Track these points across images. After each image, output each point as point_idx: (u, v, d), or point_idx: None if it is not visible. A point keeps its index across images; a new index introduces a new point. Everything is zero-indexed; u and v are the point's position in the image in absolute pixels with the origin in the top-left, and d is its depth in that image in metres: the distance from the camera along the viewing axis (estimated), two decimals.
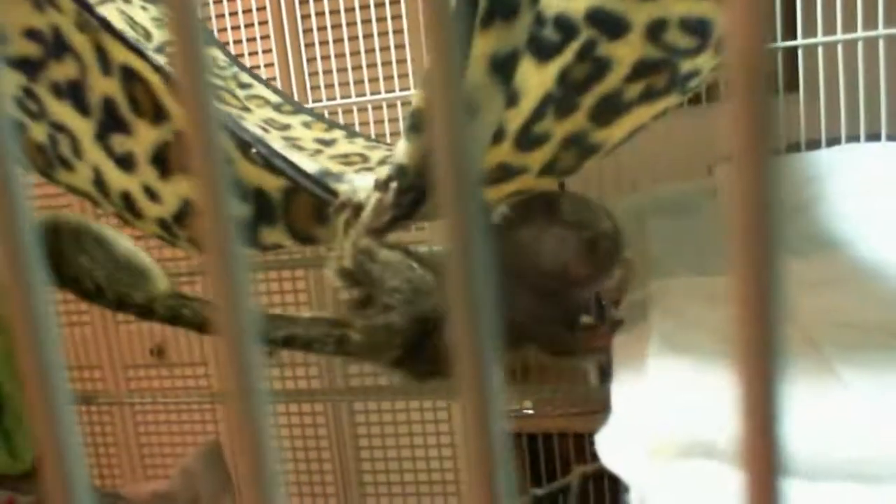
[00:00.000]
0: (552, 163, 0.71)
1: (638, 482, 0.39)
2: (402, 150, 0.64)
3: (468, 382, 0.14)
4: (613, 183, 1.26)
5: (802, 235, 0.81)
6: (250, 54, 1.46)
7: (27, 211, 0.15)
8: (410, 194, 0.66)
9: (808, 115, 1.16)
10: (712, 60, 0.71)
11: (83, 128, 0.79)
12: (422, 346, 0.69)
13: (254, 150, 0.68)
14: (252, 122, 0.91)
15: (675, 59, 0.69)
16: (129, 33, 0.86)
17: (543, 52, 0.62)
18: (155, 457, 1.90)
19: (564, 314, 0.71)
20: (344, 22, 1.35)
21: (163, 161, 0.76)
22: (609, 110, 0.69)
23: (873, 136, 1.12)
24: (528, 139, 0.66)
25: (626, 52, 0.66)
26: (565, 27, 0.62)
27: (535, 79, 0.62)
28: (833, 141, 1.14)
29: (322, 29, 1.37)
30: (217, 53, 1.13)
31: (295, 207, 0.72)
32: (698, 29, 0.67)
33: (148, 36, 1.03)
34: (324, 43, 1.38)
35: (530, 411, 1.60)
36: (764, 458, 0.14)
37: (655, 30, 0.66)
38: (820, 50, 1.14)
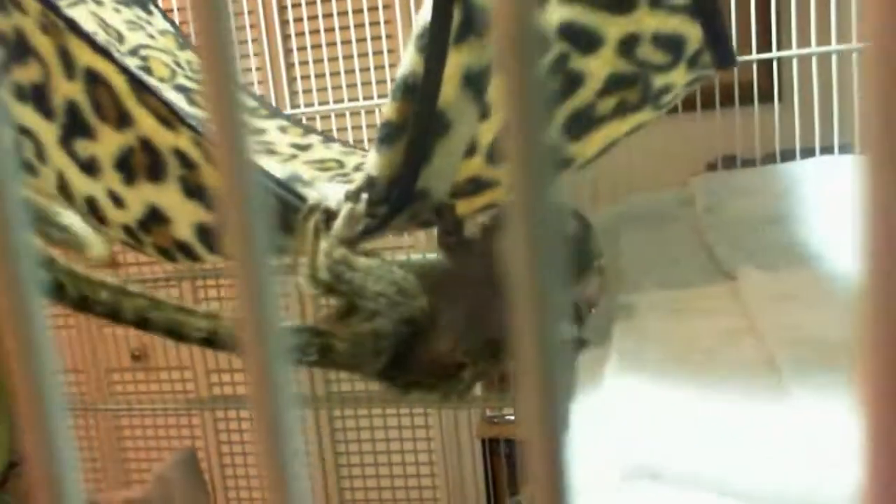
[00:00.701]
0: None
1: (588, 501, 0.39)
2: (371, 161, 0.64)
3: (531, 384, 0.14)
4: (591, 193, 1.26)
5: (771, 248, 0.82)
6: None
7: (19, 210, 0.15)
8: (383, 206, 0.66)
9: (784, 125, 1.17)
10: (686, 76, 0.72)
11: (47, 131, 0.78)
12: (407, 353, 0.69)
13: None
14: None
15: (647, 74, 0.70)
16: (100, 35, 0.85)
17: None
18: (132, 462, 1.89)
19: None
20: (322, 28, 1.35)
21: (128, 167, 0.75)
22: (581, 124, 0.69)
23: (846, 147, 1.14)
24: (499, 153, 0.67)
25: (598, 66, 0.66)
26: None
27: None
28: (807, 151, 1.15)
29: (301, 35, 1.37)
30: (192, 57, 1.12)
31: None
32: (671, 44, 0.67)
33: (120, 38, 1.02)
34: (302, 49, 1.37)
35: (512, 417, 1.61)
36: None
37: (628, 44, 0.66)
38: (795, 62, 1.15)
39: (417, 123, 0.58)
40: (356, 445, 1.73)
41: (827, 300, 0.65)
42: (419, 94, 0.57)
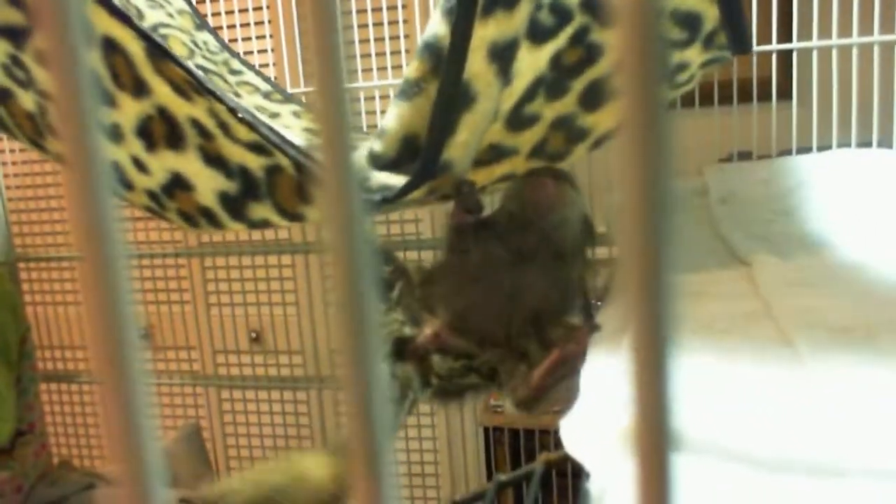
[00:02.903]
0: (541, 145, 0.71)
1: (600, 470, 0.39)
2: (388, 115, 0.64)
3: None
4: (604, 181, 1.26)
5: (786, 237, 0.82)
6: (244, 39, 1.45)
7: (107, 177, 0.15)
8: (395, 168, 0.66)
9: (801, 122, 1.16)
10: (701, 55, 0.72)
11: None
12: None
13: (240, 115, 0.68)
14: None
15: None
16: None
17: (538, 35, 0.62)
18: None
19: (564, 300, 0.72)
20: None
21: (148, 134, 0.75)
22: (598, 95, 0.70)
23: (864, 145, 1.13)
24: (518, 119, 0.67)
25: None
26: (560, 12, 0.62)
27: (529, 61, 0.63)
28: (824, 149, 1.14)
29: None
30: (209, 38, 1.12)
31: (278, 185, 0.72)
32: (687, 21, 0.68)
33: (140, 15, 1.03)
34: None
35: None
36: None
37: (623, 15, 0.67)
38: (815, 55, 1.14)
39: (443, 93, 0.58)
40: None
41: (842, 287, 0.64)
42: (444, 64, 0.57)
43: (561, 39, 0.63)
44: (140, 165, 0.78)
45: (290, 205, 0.73)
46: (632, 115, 0.13)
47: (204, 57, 1.05)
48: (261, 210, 0.75)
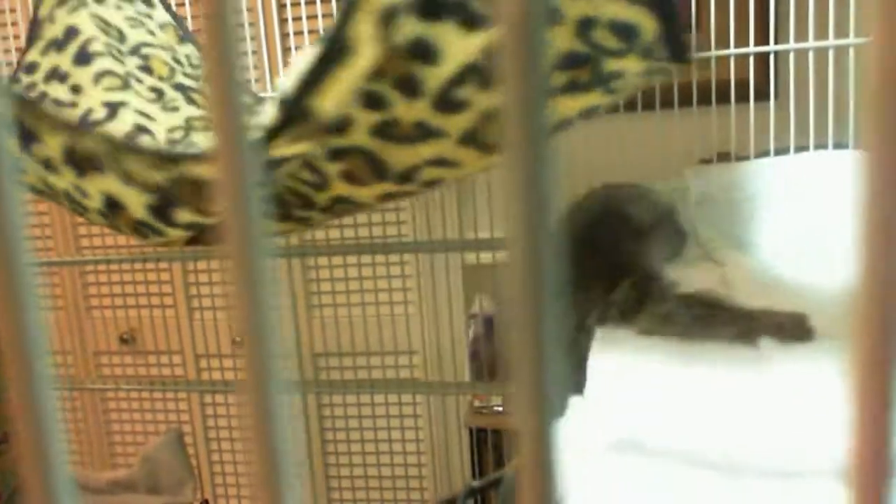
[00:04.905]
0: (472, 133, 0.72)
1: (566, 472, 0.40)
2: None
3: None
4: (586, 184, 1.26)
5: (758, 238, 0.83)
6: None
7: (14, 187, 0.15)
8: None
9: (779, 123, 1.17)
10: (638, 65, 0.73)
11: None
12: None
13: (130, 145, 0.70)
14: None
15: (599, 58, 0.71)
16: (101, 39, 0.86)
17: (470, 21, 0.63)
18: (120, 445, 1.88)
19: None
20: (319, 13, 1.34)
21: (75, 162, 0.77)
22: None
23: (841, 146, 1.14)
24: (446, 101, 0.68)
25: (555, 41, 0.67)
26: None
27: (458, 45, 0.64)
28: (802, 150, 1.15)
29: (298, 19, 1.36)
30: (192, 51, 1.12)
31: (185, 192, 0.74)
32: (625, 32, 0.69)
33: (121, 37, 1.03)
34: (299, 34, 1.37)
35: (500, 408, 1.61)
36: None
37: (585, 26, 0.68)
38: (791, 57, 1.15)
39: (322, 41, 0.60)
40: (343, 434, 1.73)
41: (810, 288, 0.66)
42: (337, 16, 0.59)
43: (496, 31, 0.64)
44: (82, 192, 0.80)
45: (204, 205, 0.75)
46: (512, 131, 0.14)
47: (185, 74, 1.06)
48: (186, 214, 0.77)
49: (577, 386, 0.59)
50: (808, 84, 1.13)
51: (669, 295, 0.69)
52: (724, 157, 1.22)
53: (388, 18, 0.60)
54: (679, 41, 0.70)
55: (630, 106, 1.28)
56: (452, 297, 1.64)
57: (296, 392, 1.61)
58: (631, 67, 0.72)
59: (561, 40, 0.67)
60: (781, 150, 1.17)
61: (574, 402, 0.52)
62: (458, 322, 1.65)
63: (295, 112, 0.62)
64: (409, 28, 0.61)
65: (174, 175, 0.72)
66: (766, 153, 1.18)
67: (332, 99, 0.64)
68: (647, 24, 0.68)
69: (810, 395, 0.41)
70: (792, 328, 0.62)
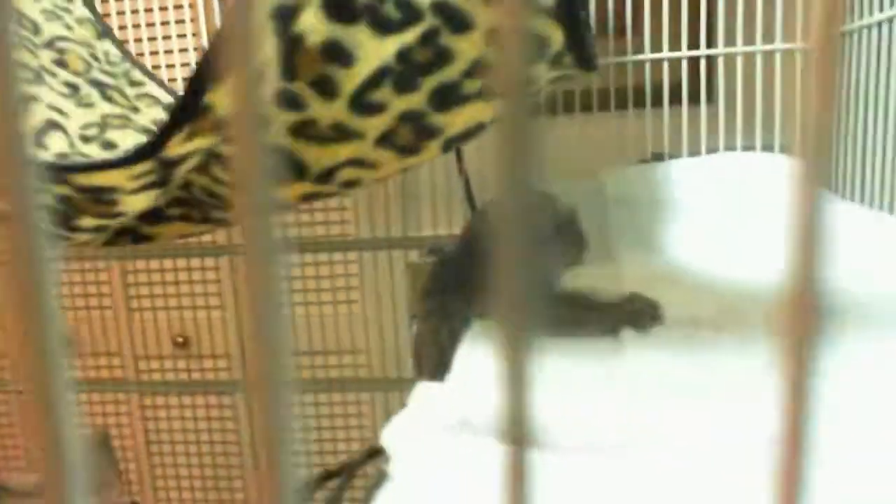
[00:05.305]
0: (389, 135, 0.73)
1: (400, 453, 0.44)
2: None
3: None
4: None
5: (661, 236, 0.86)
6: (164, 38, 1.43)
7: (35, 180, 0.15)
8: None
9: (711, 125, 1.21)
10: (548, 73, 0.75)
11: None
12: None
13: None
14: (137, 125, 0.90)
15: None
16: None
17: (381, 25, 0.64)
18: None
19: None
20: None
21: None
22: (448, 99, 0.72)
23: (768, 148, 1.18)
24: (362, 104, 0.68)
25: (466, 48, 0.68)
26: (407, 8, 0.64)
27: (372, 48, 0.64)
28: (731, 151, 1.19)
29: None
30: (110, 48, 1.09)
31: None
32: (535, 42, 0.70)
33: (36, 29, 1.00)
34: None
35: None
36: None
37: (496, 34, 0.69)
38: (721, 62, 1.19)
39: (216, 37, 0.60)
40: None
41: (702, 283, 0.69)
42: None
43: (409, 36, 0.65)
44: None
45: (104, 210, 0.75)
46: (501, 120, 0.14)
47: (102, 70, 1.04)
48: (88, 220, 0.76)
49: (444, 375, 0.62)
50: (737, 87, 1.17)
51: (549, 295, 0.71)
52: (658, 157, 1.26)
53: (283, 14, 0.60)
54: (586, 51, 0.72)
55: (567, 108, 1.31)
56: (396, 295, 1.64)
57: (237, 392, 1.59)
58: (542, 74, 0.74)
59: (472, 46, 0.68)
60: (712, 152, 1.21)
61: (430, 388, 0.56)
62: (402, 320, 1.66)
63: (192, 107, 0.61)
64: (321, 29, 0.62)
65: (64, 191, 0.70)
66: (697, 154, 1.22)
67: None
68: (555, 36, 0.69)
69: (654, 379, 0.44)
70: (651, 315, 0.65)
